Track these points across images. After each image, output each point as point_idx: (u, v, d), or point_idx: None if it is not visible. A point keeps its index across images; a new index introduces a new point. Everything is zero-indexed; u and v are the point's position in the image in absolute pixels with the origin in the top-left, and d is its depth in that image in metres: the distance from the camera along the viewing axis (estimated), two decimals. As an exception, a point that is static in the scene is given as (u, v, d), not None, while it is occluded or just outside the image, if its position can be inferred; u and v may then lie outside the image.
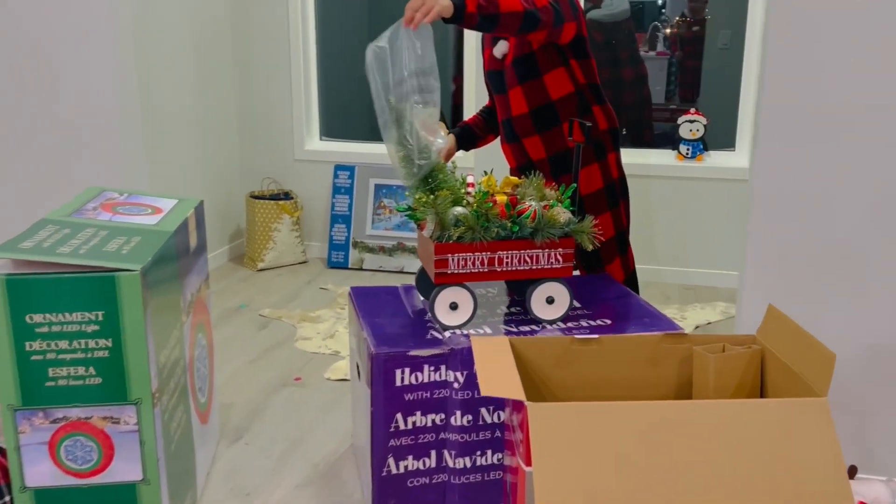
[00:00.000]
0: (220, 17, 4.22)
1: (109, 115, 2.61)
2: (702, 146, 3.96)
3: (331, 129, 4.58)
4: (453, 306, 1.86)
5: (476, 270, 1.84)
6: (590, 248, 1.87)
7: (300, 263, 4.36)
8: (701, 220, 3.96)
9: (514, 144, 2.33)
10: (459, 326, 1.87)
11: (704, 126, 3.94)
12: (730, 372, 1.44)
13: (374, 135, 4.57)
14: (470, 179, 1.89)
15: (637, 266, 4.23)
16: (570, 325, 1.90)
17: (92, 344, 1.50)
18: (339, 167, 4.35)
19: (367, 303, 2.06)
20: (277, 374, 2.87)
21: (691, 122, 3.94)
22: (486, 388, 1.23)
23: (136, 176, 2.41)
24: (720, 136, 4.01)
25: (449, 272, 1.83)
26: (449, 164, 1.97)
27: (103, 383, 1.52)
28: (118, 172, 2.46)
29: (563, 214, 1.84)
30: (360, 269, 4.25)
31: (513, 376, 1.27)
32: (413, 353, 1.74)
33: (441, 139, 1.90)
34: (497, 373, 1.29)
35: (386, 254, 4.25)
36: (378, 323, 1.91)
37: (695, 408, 1.24)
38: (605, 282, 2.23)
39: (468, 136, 2.49)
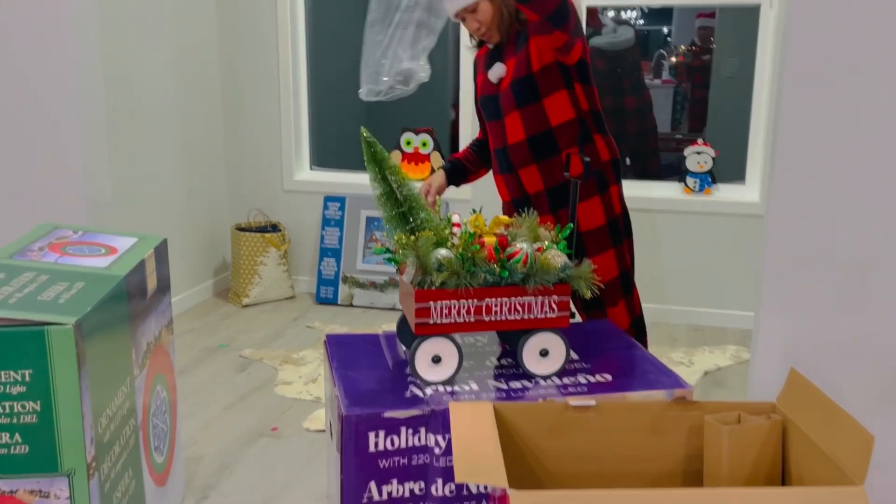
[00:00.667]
0: (208, 42, 4.10)
1: (70, 138, 2.45)
2: (710, 179, 3.81)
3: (321, 159, 4.44)
4: (436, 359, 1.69)
5: (461, 320, 1.67)
6: (588, 295, 1.70)
7: (287, 299, 4.20)
8: (709, 256, 3.80)
9: (509, 176, 2.18)
10: (443, 382, 1.70)
11: (713, 158, 3.79)
12: (746, 446, 1.27)
13: (363, 165, 4.43)
14: (455, 219, 1.73)
15: (643, 305, 4.06)
16: (566, 380, 1.73)
17: (18, 407, 1.33)
18: (329, 198, 4.21)
19: (343, 353, 1.88)
20: (253, 423, 2.69)
21: (699, 153, 3.79)
22: (464, 473, 1.05)
23: (99, 209, 2.25)
24: (729, 168, 3.86)
25: (431, 322, 1.66)
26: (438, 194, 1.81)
27: (30, 452, 1.35)
28: (80, 206, 2.30)
29: (558, 258, 1.68)
30: (350, 305, 4.09)
31: (495, 455, 1.09)
32: (389, 414, 1.57)
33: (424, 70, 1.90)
34: (477, 449, 1.12)
35: (377, 290, 4.08)
36: (352, 378, 1.73)
37: (707, 498, 1.06)
38: (606, 330, 2.06)
39: (459, 170, 2.35)
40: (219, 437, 2.57)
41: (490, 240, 1.69)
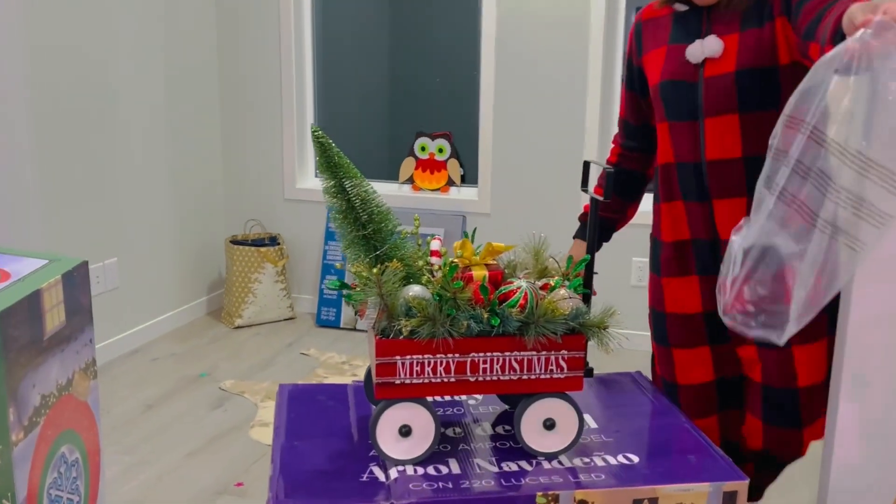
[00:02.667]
0: (205, 37, 3.79)
1: None
2: (767, 194, 3.37)
3: (329, 165, 4.09)
4: (405, 431, 1.31)
5: (438, 380, 1.30)
6: (609, 351, 1.32)
7: (286, 320, 3.86)
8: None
9: (695, 205, 1.59)
10: (414, 461, 1.32)
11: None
12: None
13: (375, 172, 4.12)
14: (435, 246, 1.36)
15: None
16: (577, 462, 1.34)
17: None
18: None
19: (297, 412, 1.52)
20: (217, 476, 2.34)
21: (754, 164, 3.36)
22: None
23: (23, 220, 1.92)
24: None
25: (397, 382, 1.29)
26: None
27: None
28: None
29: (568, 301, 1.30)
30: (354, 329, 3.73)
31: None
32: (331, 510, 1.20)
33: None
34: None
35: (384, 313, 3.72)
36: (298, 451, 1.37)
37: None
38: (636, 385, 1.67)
39: (601, 229, 1.77)
40: (171, 495, 2.23)
41: (480, 274, 1.31)
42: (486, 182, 3.64)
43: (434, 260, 1.34)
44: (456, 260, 1.33)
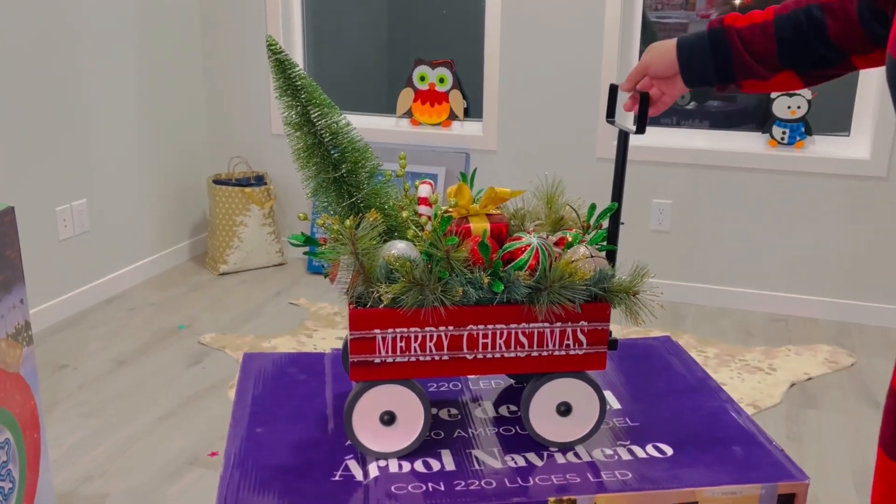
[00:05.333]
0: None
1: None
2: (803, 129, 3.10)
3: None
4: (387, 419, 1.09)
5: (427, 358, 1.08)
6: (640, 322, 1.08)
7: (275, 266, 3.64)
8: (797, 227, 3.11)
9: None
10: (398, 454, 1.11)
11: (808, 102, 3.08)
12: None
13: (372, 104, 3.84)
14: (424, 192, 1.12)
15: (709, 286, 3.40)
16: (597, 454, 1.13)
17: None
18: (324, 145, 3.60)
19: (262, 387, 1.30)
20: (188, 444, 2.15)
21: (790, 95, 3.09)
22: None
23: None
24: (828, 115, 3.14)
25: (376, 361, 1.06)
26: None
27: None
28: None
29: (590, 261, 1.06)
30: (348, 276, 3.51)
31: None
32: (293, 521, 0.99)
33: None
34: None
35: (380, 259, 3.49)
36: (259, 439, 1.15)
37: None
38: (666, 352, 1.45)
39: (723, 52, 1.10)
40: (137, 465, 2.04)
41: (479, 227, 1.08)
42: (492, 116, 3.37)
43: (423, 209, 1.10)
44: (450, 210, 1.10)
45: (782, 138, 3.12)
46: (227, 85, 3.72)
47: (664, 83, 1.16)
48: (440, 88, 3.52)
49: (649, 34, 3.35)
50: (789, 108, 3.09)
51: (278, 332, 2.90)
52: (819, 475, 2.09)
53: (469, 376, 1.34)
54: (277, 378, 1.34)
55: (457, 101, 3.50)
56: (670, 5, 3.48)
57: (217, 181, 3.59)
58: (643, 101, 1.15)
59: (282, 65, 1.05)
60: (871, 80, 3.01)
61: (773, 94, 3.12)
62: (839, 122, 3.11)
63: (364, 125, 3.63)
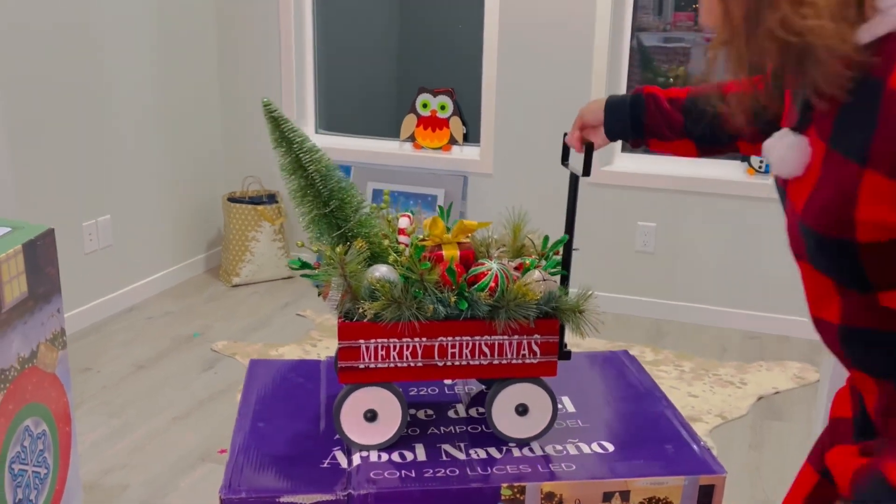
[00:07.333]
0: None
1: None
2: (778, 158, 3.27)
3: (330, 122, 4.02)
4: (370, 416, 1.27)
5: (404, 364, 1.25)
6: (584, 336, 1.26)
7: (284, 279, 3.82)
8: (772, 251, 3.28)
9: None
10: (379, 447, 1.28)
11: (783, 133, 3.25)
12: None
13: (378, 128, 4.03)
14: (403, 223, 1.29)
15: (690, 304, 3.55)
16: (548, 449, 1.30)
17: None
18: (332, 167, 3.79)
19: (266, 389, 1.48)
20: (201, 441, 2.33)
21: (766, 127, 3.25)
22: None
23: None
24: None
25: (360, 366, 1.24)
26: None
27: None
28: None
29: (541, 283, 1.23)
30: (353, 290, 3.69)
31: None
32: (287, 500, 1.16)
33: None
34: None
35: (383, 274, 3.67)
36: (260, 432, 1.33)
37: None
38: (623, 365, 1.61)
39: (637, 112, 1.29)
40: (154, 460, 2.22)
41: (450, 254, 1.25)
42: (488, 141, 3.56)
43: (402, 239, 1.28)
44: (425, 240, 1.27)
45: (759, 167, 3.29)
46: (241, 110, 3.92)
47: (592, 132, 1.36)
48: (441, 115, 3.71)
49: (647, 60, 3.54)
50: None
51: (286, 341, 3.08)
52: (778, 483, 2.25)
53: (446, 382, 1.52)
54: (279, 381, 1.52)
55: (456, 127, 3.69)
56: (679, 27, 3.66)
57: (231, 199, 3.79)
58: (588, 150, 1.33)
59: (276, 121, 1.24)
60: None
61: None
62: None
63: (370, 148, 3.82)
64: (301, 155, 1.22)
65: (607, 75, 3.34)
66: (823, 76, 0.74)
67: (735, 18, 0.75)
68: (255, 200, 3.81)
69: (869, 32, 0.73)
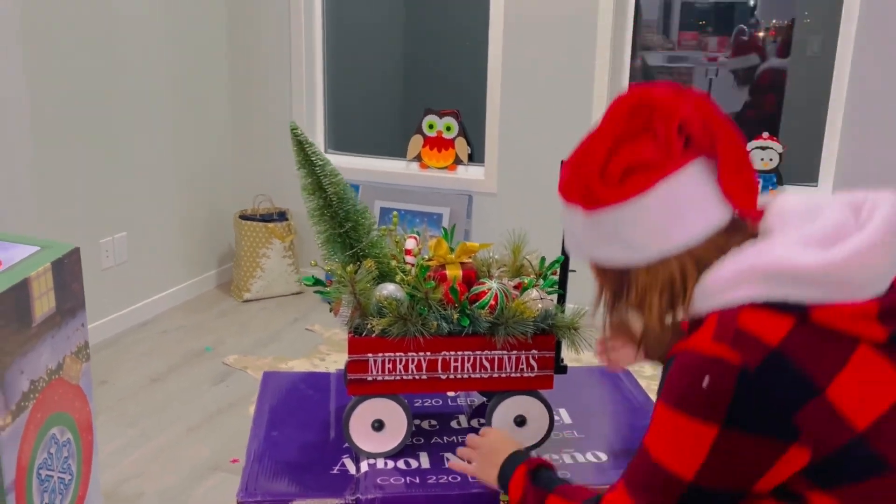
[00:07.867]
0: (216, 4, 3.80)
1: None
2: (775, 179, 3.35)
3: (339, 142, 4.12)
4: (377, 425, 1.35)
5: (409, 377, 1.33)
6: (579, 352, 1.33)
7: (293, 295, 3.90)
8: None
9: None
10: (386, 454, 1.36)
11: (780, 154, 3.33)
12: None
13: (385, 148, 4.12)
14: (410, 245, 1.38)
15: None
16: (546, 457, 1.36)
17: None
18: (341, 186, 3.88)
19: (277, 400, 1.56)
20: (213, 452, 2.40)
21: (763, 148, 3.34)
22: None
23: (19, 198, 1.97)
24: (799, 166, 3.39)
25: (369, 379, 1.32)
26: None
27: None
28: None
29: (538, 302, 1.31)
30: (360, 305, 3.77)
31: None
32: (299, 503, 1.24)
33: None
34: None
35: (390, 290, 3.75)
36: (274, 440, 1.41)
37: None
38: (619, 380, 1.69)
39: None
40: (169, 469, 2.29)
41: (453, 273, 1.33)
42: (492, 161, 3.64)
43: (408, 259, 1.36)
44: (430, 260, 1.36)
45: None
46: (252, 131, 4.02)
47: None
48: (447, 136, 3.80)
49: (651, 79, 3.62)
50: (762, 160, 3.34)
51: (295, 355, 3.16)
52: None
53: (449, 393, 1.59)
54: (291, 392, 1.60)
55: (462, 148, 3.78)
56: (684, 46, 3.75)
57: (243, 216, 3.88)
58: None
59: (301, 144, 1.33)
60: (835, 135, 3.25)
61: (748, 146, 3.36)
62: (808, 173, 3.34)
63: (378, 167, 3.91)
64: (322, 178, 1.31)
65: (608, 97, 3.43)
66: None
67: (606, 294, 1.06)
68: (265, 218, 3.90)
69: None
